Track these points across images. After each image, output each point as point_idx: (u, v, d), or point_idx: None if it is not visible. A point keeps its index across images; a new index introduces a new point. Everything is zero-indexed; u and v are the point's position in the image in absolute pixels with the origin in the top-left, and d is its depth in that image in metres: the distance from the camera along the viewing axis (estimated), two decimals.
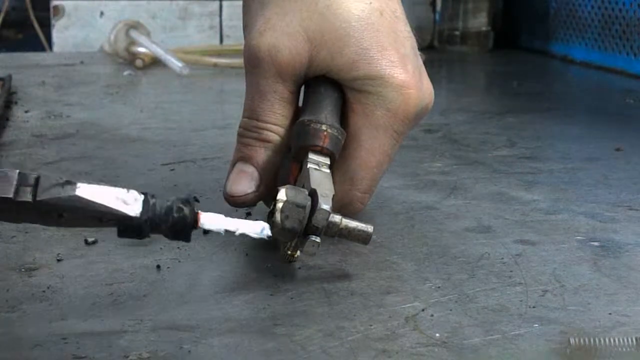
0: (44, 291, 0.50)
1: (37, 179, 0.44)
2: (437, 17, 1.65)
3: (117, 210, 0.45)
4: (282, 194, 0.51)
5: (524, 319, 0.47)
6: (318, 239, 0.51)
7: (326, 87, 0.59)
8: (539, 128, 0.98)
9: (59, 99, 1.13)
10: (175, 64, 1.31)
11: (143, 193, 0.46)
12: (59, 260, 0.55)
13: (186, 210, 0.46)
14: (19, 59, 1.48)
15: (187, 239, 0.47)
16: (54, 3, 1.60)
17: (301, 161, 0.57)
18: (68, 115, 1.01)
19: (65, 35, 1.60)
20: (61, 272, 0.53)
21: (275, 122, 0.59)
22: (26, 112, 1.03)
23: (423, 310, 0.48)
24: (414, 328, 0.46)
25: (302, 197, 0.51)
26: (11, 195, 0.43)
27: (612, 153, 0.84)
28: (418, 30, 1.64)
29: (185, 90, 1.24)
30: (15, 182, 0.44)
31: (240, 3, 0.63)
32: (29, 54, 1.57)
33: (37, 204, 0.44)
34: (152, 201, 0.46)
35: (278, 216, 0.51)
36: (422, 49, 1.54)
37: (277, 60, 0.58)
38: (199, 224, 0.47)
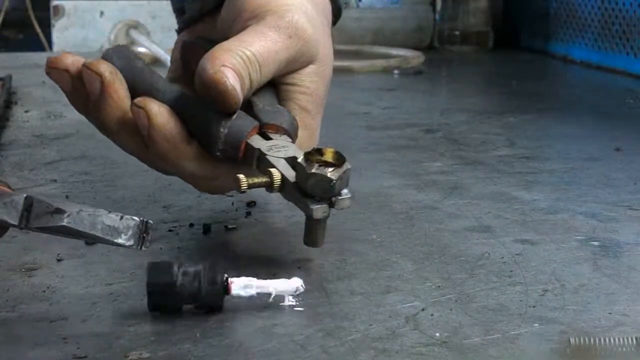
0: (44, 291, 0.50)
1: (31, 204, 0.45)
2: (437, 17, 1.65)
3: (107, 240, 0.46)
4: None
5: (524, 318, 0.47)
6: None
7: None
8: (539, 128, 0.98)
9: (59, 99, 1.12)
10: None
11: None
12: (59, 260, 0.55)
13: (210, 300, 0.47)
14: (19, 59, 1.47)
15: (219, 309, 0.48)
16: (54, 3, 1.60)
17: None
18: (68, 115, 1.01)
19: (65, 35, 1.60)
20: (61, 272, 0.53)
21: (270, 71, 0.57)
22: (26, 112, 1.03)
23: (423, 309, 0.48)
24: (414, 327, 0.46)
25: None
26: (16, 223, 0.45)
27: (612, 153, 0.84)
28: (418, 30, 1.65)
29: None
30: (21, 209, 0.45)
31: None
32: (29, 54, 1.57)
33: (30, 229, 0.46)
34: (182, 269, 0.47)
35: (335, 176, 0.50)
36: (422, 49, 1.54)
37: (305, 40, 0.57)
38: (230, 294, 0.47)
